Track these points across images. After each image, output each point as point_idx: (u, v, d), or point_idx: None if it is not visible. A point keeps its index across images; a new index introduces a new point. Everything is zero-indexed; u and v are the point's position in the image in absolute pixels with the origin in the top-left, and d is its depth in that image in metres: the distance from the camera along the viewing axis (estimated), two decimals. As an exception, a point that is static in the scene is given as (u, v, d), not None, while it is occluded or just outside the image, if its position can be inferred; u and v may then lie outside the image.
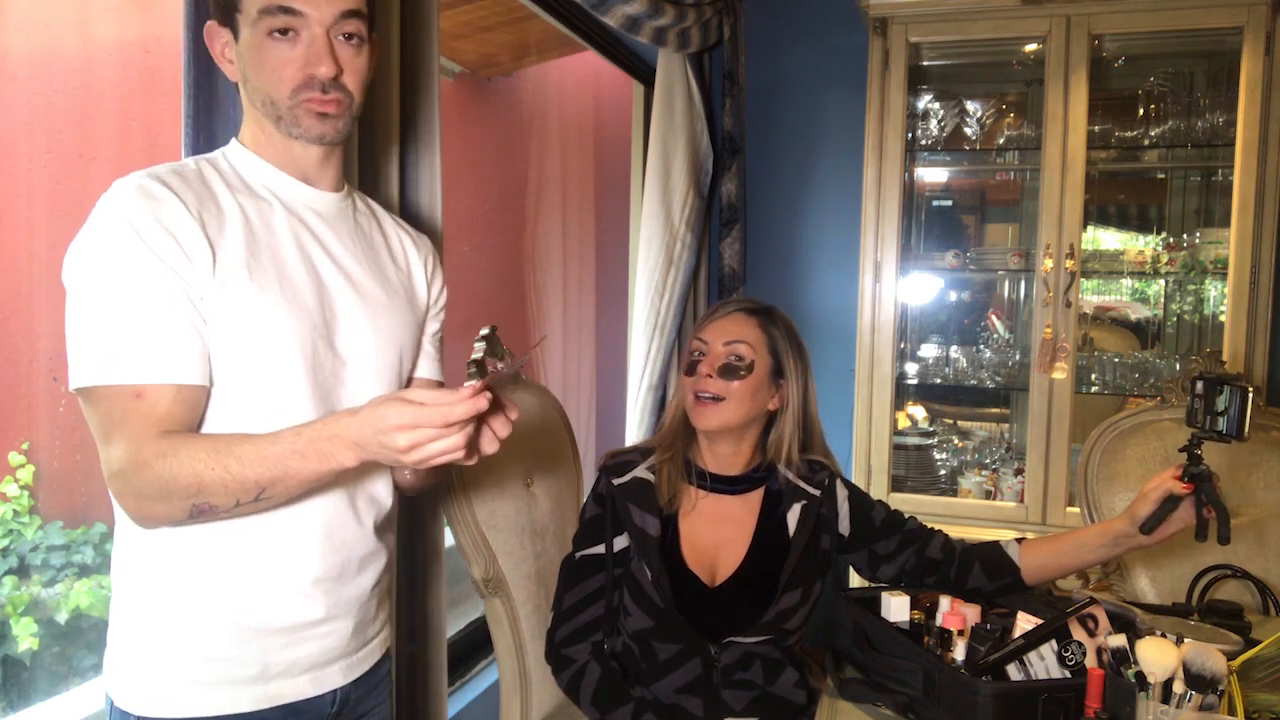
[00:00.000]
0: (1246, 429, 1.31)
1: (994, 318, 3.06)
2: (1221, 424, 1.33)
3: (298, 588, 1.06)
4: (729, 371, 1.50)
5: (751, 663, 1.45)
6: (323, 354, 1.06)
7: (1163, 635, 1.19)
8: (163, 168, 1.01)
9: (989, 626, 1.29)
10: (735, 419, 1.51)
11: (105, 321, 0.93)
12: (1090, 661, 1.22)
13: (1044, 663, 1.23)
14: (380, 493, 1.16)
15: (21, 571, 1.71)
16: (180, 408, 0.96)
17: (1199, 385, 1.37)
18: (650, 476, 1.52)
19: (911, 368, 2.93)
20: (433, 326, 1.28)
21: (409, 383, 1.22)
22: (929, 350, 3.03)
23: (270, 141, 1.08)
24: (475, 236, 2.98)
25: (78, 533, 1.77)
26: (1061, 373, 2.53)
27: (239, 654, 1.04)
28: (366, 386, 1.11)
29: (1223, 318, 2.53)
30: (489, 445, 0.94)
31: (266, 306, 1.01)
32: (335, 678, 1.12)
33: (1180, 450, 1.38)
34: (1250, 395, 1.30)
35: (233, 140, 1.11)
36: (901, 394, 2.91)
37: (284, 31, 1.02)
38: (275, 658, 1.06)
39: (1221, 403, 1.33)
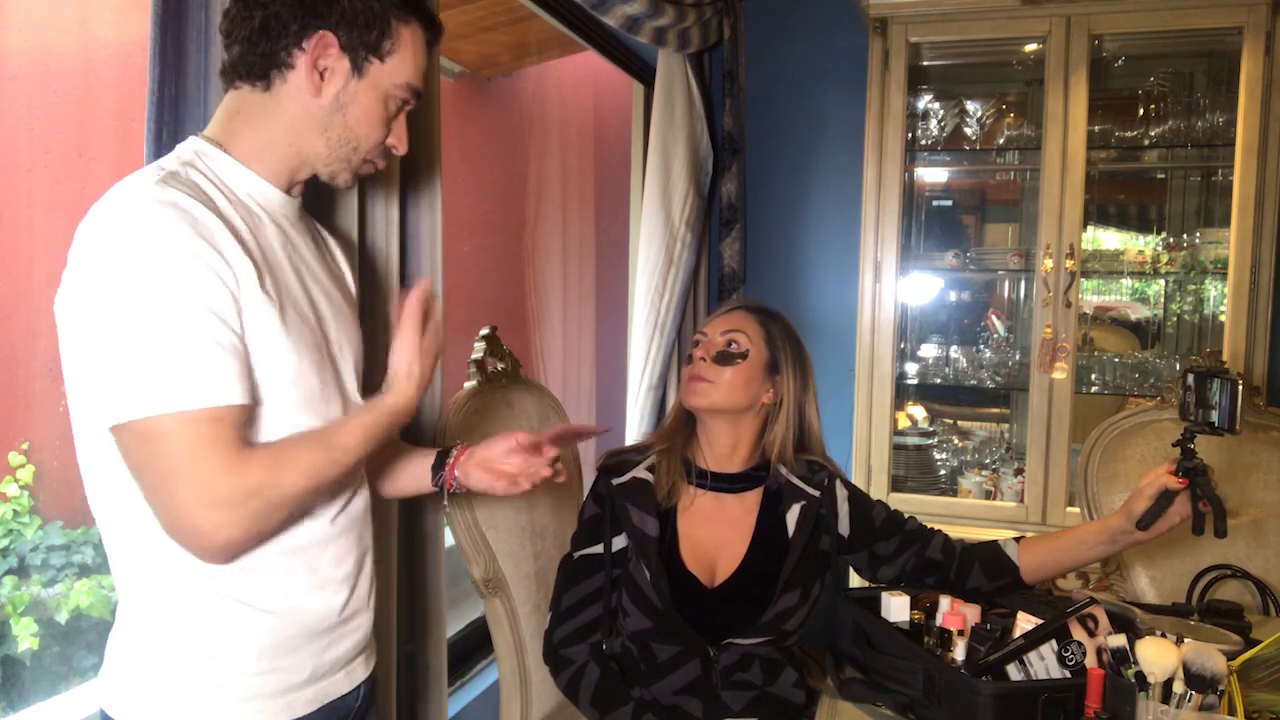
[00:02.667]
0: (1238, 421, 1.31)
1: (994, 318, 3.06)
2: (1214, 417, 1.34)
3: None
4: (724, 359, 1.51)
5: (751, 663, 1.45)
6: (322, 366, 1.05)
7: (1163, 635, 1.19)
8: (166, 175, 0.93)
9: (989, 626, 1.29)
10: (726, 402, 1.51)
11: (161, 344, 0.87)
12: (1090, 661, 1.22)
13: (1044, 663, 1.23)
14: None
15: (21, 571, 1.71)
16: (246, 428, 0.94)
17: (1190, 379, 1.38)
18: (649, 476, 1.52)
19: (911, 368, 2.93)
20: None
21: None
22: (929, 350, 3.03)
23: (290, 149, 1.04)
24: (475, 236, 2.98)
25: (78, 533, 1.77)
26: (1061, 373, 2.53)
27: (293, 660, 1.04)
28: (354, 399, 1.12)
29: (1223, 318, 2.53)
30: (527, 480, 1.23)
31: (290, 326, 0.99)
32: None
33: (1174, 445, 1.38)
34: (1240, 387, 1.30)
35: (197, 139, 1.02)
36: (901, 394, 2.91)
37: (401, 105, 1.10)
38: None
39: (1213, 396, 1.33)
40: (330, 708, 1.08)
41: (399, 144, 1.12)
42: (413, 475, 1.28)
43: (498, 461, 1.24)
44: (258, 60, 1.01)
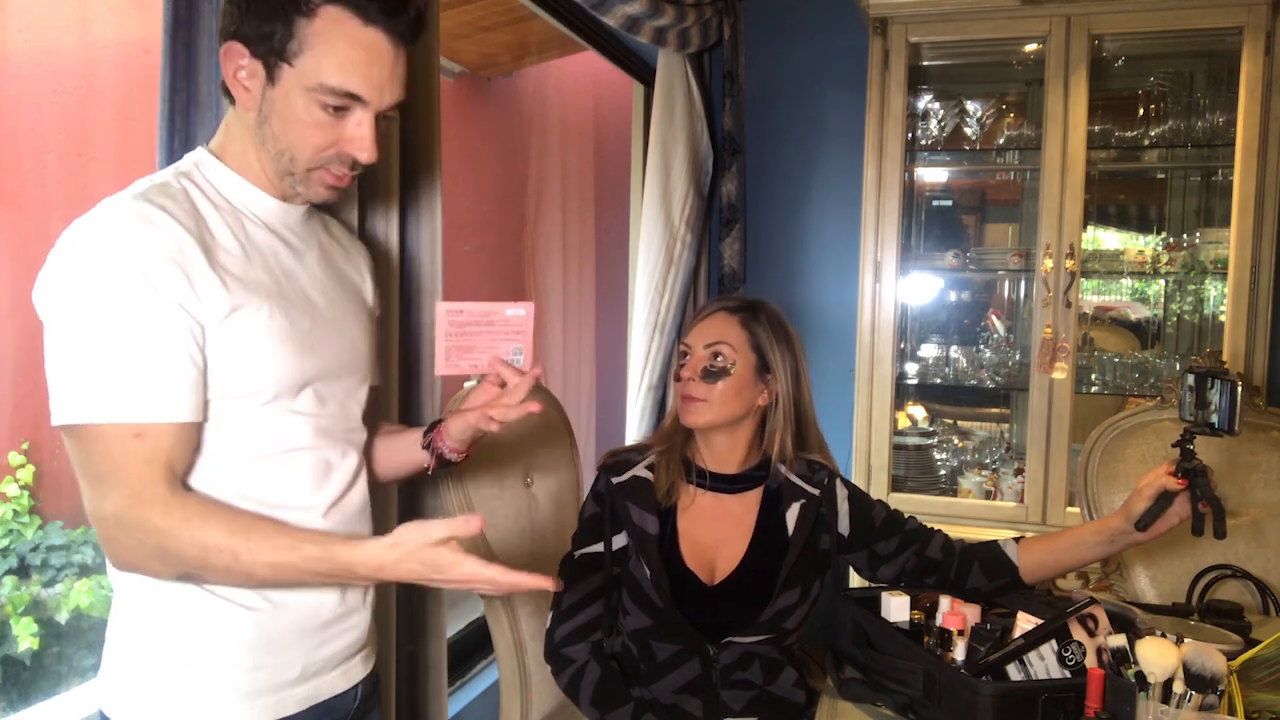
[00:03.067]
0: (1238, 422, 1.31)
1: (994, 318, 3.06)
2: (1214, 418, 1.34)
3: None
4: (711, 375, 1.50)
5: (750, 662, 1.45)
6: (311, 369, 1.05)
7: (1163, 635, 1.19)
8: (151, 190, 0.96)
9: (989, 626, 1.29)
10: (721, 418, 1.51)
11: (103, 355, 0.89)
12: (1090, 661, 1.22)
13: (1044, 663, 1.23)
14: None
15: (21, 571, 1.71)
16: (180, 446, 0.93)
17: (1190, 379, 1.38)
18: (649, 475, 1.52)
19: (911, 368, 2.93)
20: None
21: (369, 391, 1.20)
22: (929, 350, 3.03)
23: (261, 164, 1.03)
24: (475, 236, 2.98)
25: (78, 533, 1.77)
26: (1061, 373, 2.53)
27: (282, 658, 1.04)
28: (349, 402, 1.12)
29: (1223, 318, 2.53)
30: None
31: (272, 330, 1.00)
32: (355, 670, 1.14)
33: (1173, 445, 1.38)
34: (1239, 388, 1.30)
35: (200, 150, 1.05)
36: (901, 394, 2.91)
37: (338, 109, 0.99)
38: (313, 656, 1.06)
39: (1213, 397, 1.33)
40: (325, 706, 1.08)
41: (358, 151, 1.01)
42: (401, 449, 1.26)
43: (471, 404, 1.22)
44: (224, 77, 1.02)
